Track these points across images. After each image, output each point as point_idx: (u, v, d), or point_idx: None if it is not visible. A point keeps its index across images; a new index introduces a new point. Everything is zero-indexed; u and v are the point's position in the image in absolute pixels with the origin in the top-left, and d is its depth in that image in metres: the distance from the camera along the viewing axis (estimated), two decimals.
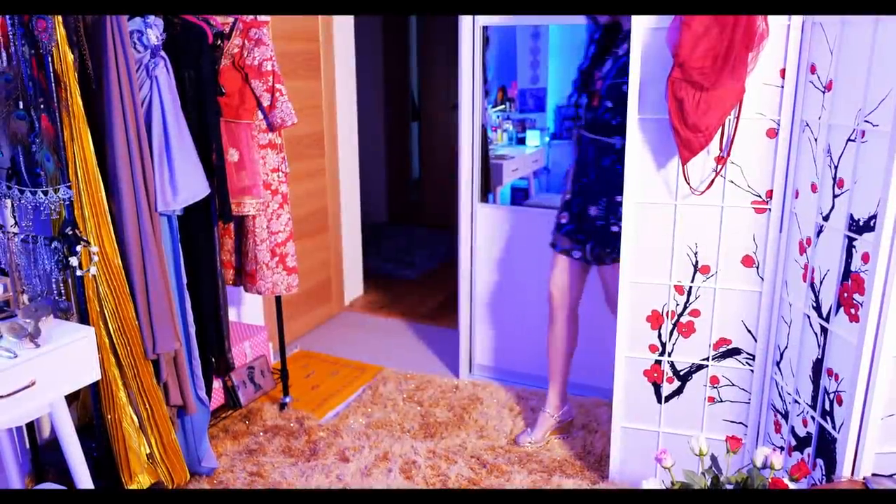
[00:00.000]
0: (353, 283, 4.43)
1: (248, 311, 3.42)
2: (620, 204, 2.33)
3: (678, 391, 2.38)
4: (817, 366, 2.01)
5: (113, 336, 2.14)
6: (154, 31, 2.18)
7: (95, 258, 2.06)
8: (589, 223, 2.49)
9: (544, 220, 3.10)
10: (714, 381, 2.33)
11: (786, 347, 2.18)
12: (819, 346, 2.00)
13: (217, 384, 2.83)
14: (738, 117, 2.09)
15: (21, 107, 2.01)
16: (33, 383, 1.85)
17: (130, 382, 2.21)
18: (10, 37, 1.96)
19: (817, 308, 2.01)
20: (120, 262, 2.12)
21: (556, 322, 2.72)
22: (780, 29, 2.04)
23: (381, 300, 4.46)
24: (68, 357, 1.95)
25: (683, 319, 2.31)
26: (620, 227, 2.34)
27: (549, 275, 2.70)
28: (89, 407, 2.35)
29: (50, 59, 1.92)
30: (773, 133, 2.12)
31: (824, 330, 1.97)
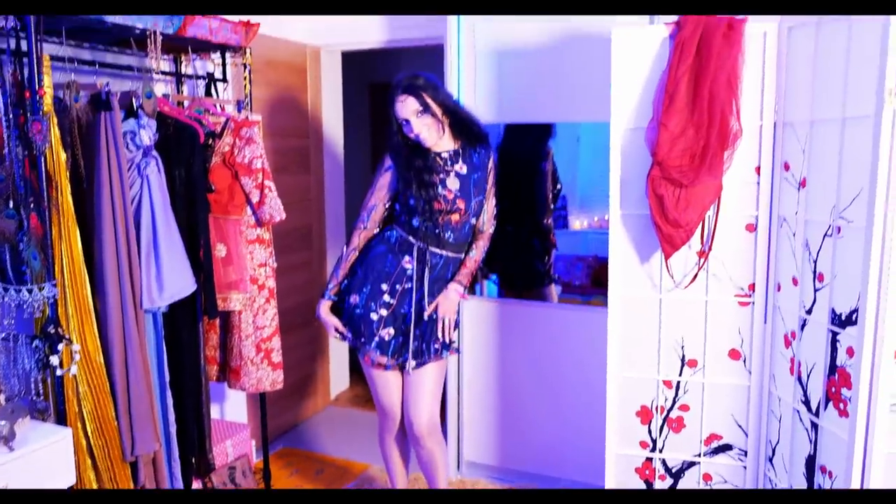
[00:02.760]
0: (339, 377, 4.36)
1: (231, 406, 3.35)
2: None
3: (671, 489, 2.32)
4: (810, 462, 1.98)
5: (90, 437, 2.09)
6: (147, 131, 2.24)
7: (77, 356, 2.03)
8: (426, 325, 2.39)
9: (532, 311, 3.10)
10: (707, 478, 2.28)
11: (777, 443, 2.15)
12: (811, 441, 1.97)
13: (197, 485, 2.73)
14: (717, 212, 2.15)
15: (11, 206, 2.03)
16: None
17: (106, 486, 2.13)
18: (5, 138, 2.00)
19: (806, 402, 1.99)
20: (102, 359, 2.10)
21: (394, 437, 2.62)
22: (753, 129, 2.12)
23: (368, 393, 4.35)
24: (43, 461, 1.89)
25: (673, 414, 2.28)
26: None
27: (375, 392, 2.53)
28: None
29: (43, 159, 1.96)
30: (752, 228, 2.17)
31: (815, 425, 1.95)
